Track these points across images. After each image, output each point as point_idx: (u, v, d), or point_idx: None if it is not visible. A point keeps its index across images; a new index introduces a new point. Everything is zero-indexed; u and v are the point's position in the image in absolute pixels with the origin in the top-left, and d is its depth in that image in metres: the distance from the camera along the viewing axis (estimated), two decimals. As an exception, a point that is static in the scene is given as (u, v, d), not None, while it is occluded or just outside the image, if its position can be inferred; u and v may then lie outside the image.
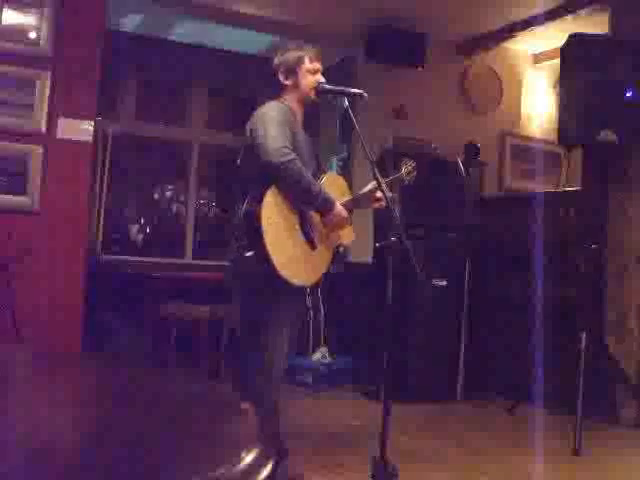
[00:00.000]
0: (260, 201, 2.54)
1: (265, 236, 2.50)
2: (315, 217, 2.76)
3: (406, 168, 3.03)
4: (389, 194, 2.76)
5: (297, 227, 2.67)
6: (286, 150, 2.55)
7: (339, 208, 2.75)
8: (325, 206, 2.71)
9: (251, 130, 2.69)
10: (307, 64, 2.83)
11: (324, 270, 2.81)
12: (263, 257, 2.51)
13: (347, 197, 2.91)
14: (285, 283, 2.57)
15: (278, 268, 2.53)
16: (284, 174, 2.55)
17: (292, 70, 2.83)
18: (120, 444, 0.85)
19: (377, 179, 2.57)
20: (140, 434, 0.90)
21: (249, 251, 2.57)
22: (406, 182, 3.05)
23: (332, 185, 2.87)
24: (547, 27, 5.25)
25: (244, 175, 2.75)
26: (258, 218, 2.51)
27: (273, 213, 2.57)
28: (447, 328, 4.68)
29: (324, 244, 2.80)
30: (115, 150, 5.27)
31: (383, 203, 2.82)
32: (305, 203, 2.68)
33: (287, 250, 2.60)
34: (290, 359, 2.99)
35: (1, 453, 0.77)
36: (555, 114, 5.30)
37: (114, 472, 0.75)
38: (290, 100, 2.85)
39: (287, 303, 2.72)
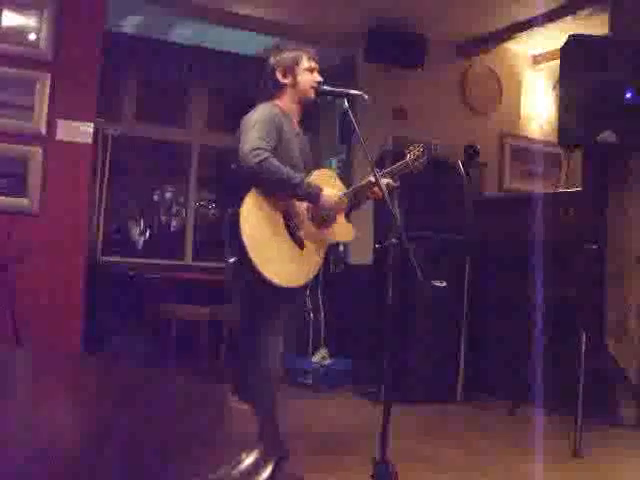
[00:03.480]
0: (240, 206, 2.55)
1: (245, 240, 2.51)
2: (302, 216, 2.74)
3: (412, 154, 2.91)
4: (391, 182, 2.75)
5: (282, 228, 2.66)
6: (258, 151, 2.54)
7: (327, 193, 2.71)
8: (310, 194, 2.68)
9: (239, 133, 2.70)
10: (305, 63, 2.82)
11: (315, 269, 2.79)
12: (247, 262, 2.52)
13: (340, 192, 2.89)
14: (272, 285, 2.57)
15: (262, 271, 2.53)
16: (259, 174, 2.54)
17: (290, 68, 2.82)
18: (120, 445, 0.85)
19: (374, 171, 2.56)
20: (140, 435, 0.90)
21: (232, 256, 2.58)
22: (414, 170, 2.92)
23: (323, 180, 2.85)
24: (547, 28, 5.26)
25: (235, 179, 2.75)
26: (237, 222, 2.52)
27: (253, 216, 2.56)
28: (447, 329, 4.68)
29: (314, 243, 2.78)
30: (115, 151, 5.28)
31: (378, 192, 2.79)
32: (291, 196, 2.67)
33: (271, 252, 2.59)
34: (290, 360, 2.99)
35: (1, 453, 0.78)
36: (555, 115, 5.31)
37: (114, 473, 0.75)
38: (286, 99, 2.84)
39: (278, 304, 2.72)
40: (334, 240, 2.90)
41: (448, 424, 4.19)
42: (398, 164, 2.93)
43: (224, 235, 2.70)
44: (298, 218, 2.72)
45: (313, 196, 2.69)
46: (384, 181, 2.73)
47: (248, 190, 2.59)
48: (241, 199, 2.58)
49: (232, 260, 2.58)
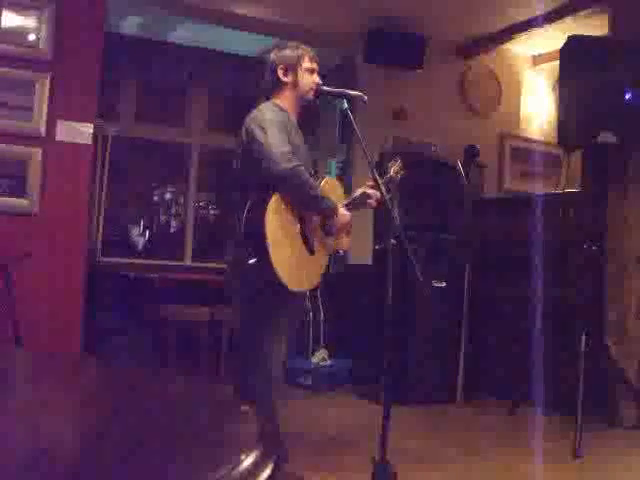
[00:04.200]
0: (262, 207, 2.53)
1: (268, 244, 2.50)
2: (314, 223, 2.76)
3: (394, 168, 3.02)
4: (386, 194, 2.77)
5: (297, 233, 2.67)
6: (290, 156, 2.54)
7: (342, 212, 2.76)
8: (329, 211, 2.71)
9: (247, 133, 2.67)
10: (307, 63, 2.82)
11: (320, 275, 2.82)
12: (266, 264, 2.51)
13: (343, 201, 2.91)
14: (284, 288, 2.57)
15: (279, 275, 2.53)
16: (289, 180, 2.54)
17: (292, 67, 2.80)
18: (119, 445, 0.85)
19: (375, 179, 2.58)
20: (139, 435, 0.90)
21: (252, 258, 2.57)
22: (397, 181, 3.04)
23: (330, 189, 2.87)
24: (546, 29, 5.26)
25: (243, 179, 2.73)
26: (262, 226, 2.50)
27: (276, 220, 2.56)
28: (447, 329, 4.68)
29: (321, 250, 2.81)
30: (114, 152, 5.28)
31: (373, 202, 2.84)
32: (309, 208, 2.68)
33: (288, 257, 2.60)
34: (290, 361, 3.00)
35: (1, 453, 0.78)
36: (554, 115, 5.31)
37: (114, 473, 0.75)
38: (285, 98, 2.83)
39: (285, 306, 2.72)
40: (337, 247, 2.92)
41: (448, 424, 4.20)
42: (382, 181, 2.99)
43: (237, 236, 2.66)
44: (312, 225, 2.74)
45: (329, 214, 2.74)
46: (373, 192, 2.82)
47: (263, 191, 2.58)
48: (256, 200, 2.57)
49: (252, 261, 2.57)
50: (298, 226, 2.68)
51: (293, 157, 2.55)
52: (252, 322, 2.75)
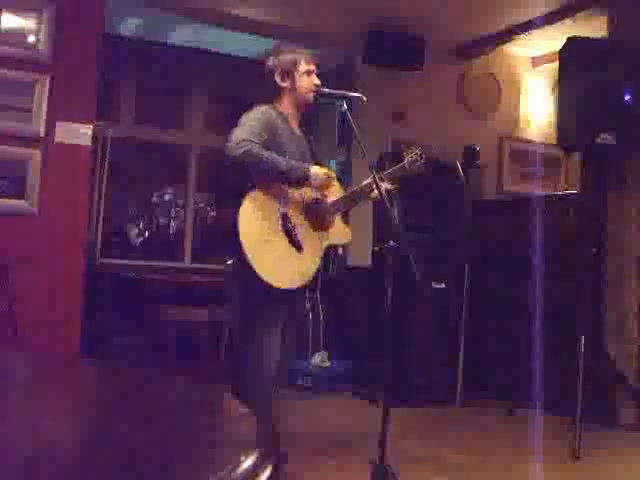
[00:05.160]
0: (239, 207, 2.56)
1: (243, 242, 2.52)
2: (300, 218, 2.75)
3: (410, 157, 2.93)
4: (389, 186, 2.76)
5: (279, 230, 2.67)
6: (244, 142, 2.54)
7: (314, 170, 2.74)
8: (301, 175, 2.70)
9: None
10: (303, 66, 2.84)
11: (312, 271, 2.78)
12: (244, 263, 2.52)
13: (339, 194, 2.91)
14: (268, 286, 2.57)
15: (259, 273, 2.54)
16: (243, 164, 2.54)
17: (288, 72, 2.83)
18: (119, 447, 0.85)
19: (373, 174, 2.57)
20: (140, 437, 0.90)
21: (230, 258, 2.60)
22: (411, 173, 2.93)
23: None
24: (546, 30, 5.26)
25: (233, 179, 2.76)
26: (236, 224, 2.53)
27: (251, 217, 2.57)
28: (446, 331, 4.68)
29: (312, 246, 2.78)
30: (114, 153, 5.27)
31: (377, 192, 2.80)
32: (282, 180, 2.67)
33: (268, 253, 2.60)
34: (289, 362, 2.99)
35: (1, 453, 0.78)
36: (554, 116, 5.31)
37: (113, 474, 0.76)
38: (286, 102, 2.86)
39: (276, 304, 2.72)
40: (332, 242, 2.89)
41: (448, 425, 4.19)
42: (395, 167, 2.95)
43: (224, 235, 2.72)
44: (296, 220, 2.73)
45: (303, 178, 2.70)
46: (383, 186, 2.74)
47: (244, 191, 2.59)
48: (238, 200, 2.59)
49: (230, 262, 2.60)
50: (279, 223, 2.67)
51: (246, 144, 2.54)
52: (248, 322, 2.76)
